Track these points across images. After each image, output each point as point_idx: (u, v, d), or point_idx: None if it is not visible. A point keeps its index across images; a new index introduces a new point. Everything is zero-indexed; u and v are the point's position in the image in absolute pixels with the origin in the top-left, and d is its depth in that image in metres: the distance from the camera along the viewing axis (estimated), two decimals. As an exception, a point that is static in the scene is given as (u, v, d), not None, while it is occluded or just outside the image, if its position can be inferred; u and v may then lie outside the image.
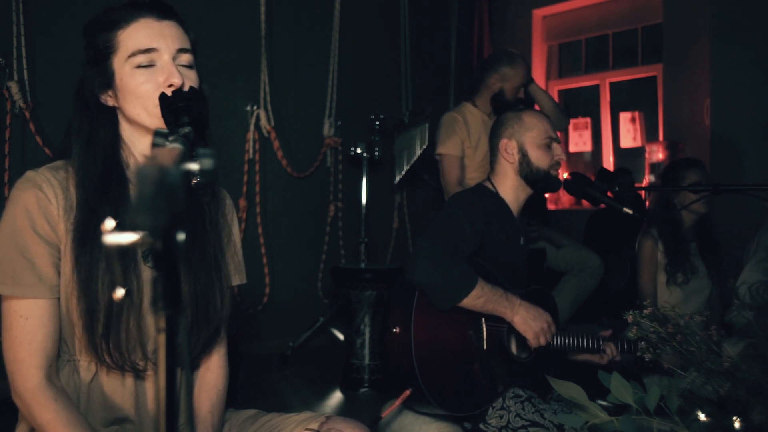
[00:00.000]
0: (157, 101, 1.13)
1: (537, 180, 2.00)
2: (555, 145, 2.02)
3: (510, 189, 2.03)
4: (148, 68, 1.16)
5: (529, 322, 1.80)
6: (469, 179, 3.24)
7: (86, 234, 1.14)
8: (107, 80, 1.18)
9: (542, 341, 1.81)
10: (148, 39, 1.16)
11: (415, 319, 1.73)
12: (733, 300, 2.82)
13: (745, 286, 2.74)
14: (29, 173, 1.17)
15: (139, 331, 1.17)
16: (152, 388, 1.22)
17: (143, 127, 1.20)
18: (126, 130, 1.23)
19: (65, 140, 1.22)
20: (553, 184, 2.02)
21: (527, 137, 2.00)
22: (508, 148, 2.02)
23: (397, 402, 1.73)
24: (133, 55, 1.15)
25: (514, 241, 2.04)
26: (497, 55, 3.35)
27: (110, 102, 1.20)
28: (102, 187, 1.17)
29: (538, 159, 1.99)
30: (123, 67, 1.16)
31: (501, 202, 2.02)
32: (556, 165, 2.00)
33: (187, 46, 1.21)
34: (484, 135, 3.26)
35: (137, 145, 1.24)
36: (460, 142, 3.22)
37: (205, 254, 1.25)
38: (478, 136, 3.26)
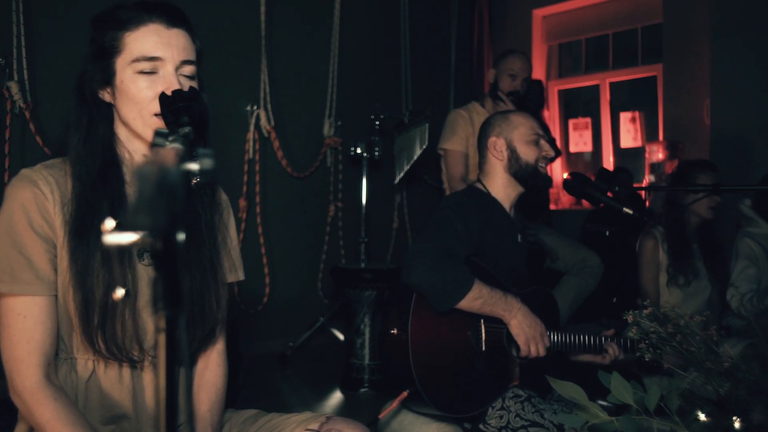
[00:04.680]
0: (153, 110, 1.14)
1: (526, 176, 2.01)
2: (543, 141, 2.03)
3: (500, 187, 2.04)
4: (150, 75, 1.16)
5: (524, 327, 1.79)
6: (471, 180, 3.24)
7: (83, 226, 1.14)
8: (107, 78, 1.18)
9: (532, 349, 1.80)
10: (155, 47, 1.15)
11: (413, 321, 1.72)
12: (728, 313, 2.84)
13: (737, 297, 2.74)
14: (25, 171, 1.18)
15: (134, 323, 1.18)
16: (150, 384, 1.22)
17: (136, 133, 1.21)
18: (121, 128, 1.24)
19: (64, 134, 1.22)
20: (542, 180, 2.02)
21: (515, 134, 2.02)
22: (497, 145, 2.03)
23: (395, 403, 1.73)
24: (137, 60, 1.15)
25: (511, 240, 2.04)
26: (501, 51, 3.47)
27: (107, 98, 1.21)
28: (100, 180, 1.17)
29: (527, 154, 2.00)
30: (125, 70, 1.16)
31: (493, 201, 2.03)
32: (544, 160, 2.01)
33: (192, 57, 1.20)
34: None
35: (130, 146, 1.24)
36: (465, 138, 3.22)
37: (201, 255, 1.25)
38: None
